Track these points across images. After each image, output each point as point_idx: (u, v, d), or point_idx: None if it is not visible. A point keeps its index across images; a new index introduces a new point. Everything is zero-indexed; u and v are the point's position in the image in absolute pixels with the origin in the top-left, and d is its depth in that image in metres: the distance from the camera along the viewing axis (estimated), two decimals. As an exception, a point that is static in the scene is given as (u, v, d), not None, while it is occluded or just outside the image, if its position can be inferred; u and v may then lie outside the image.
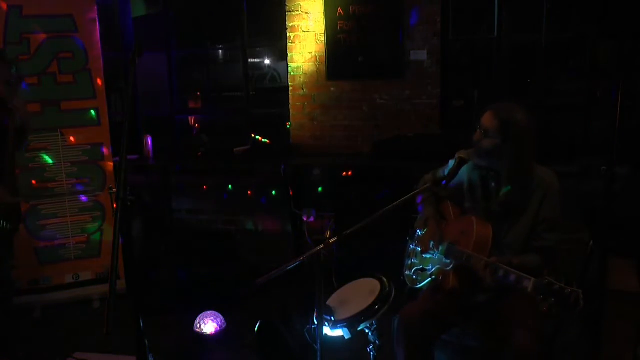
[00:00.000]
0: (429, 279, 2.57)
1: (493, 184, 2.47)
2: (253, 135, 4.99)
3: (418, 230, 2.74)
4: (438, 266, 2.52)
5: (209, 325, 3.70)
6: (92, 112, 4.25)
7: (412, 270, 2.68)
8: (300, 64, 4.97)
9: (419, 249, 2.68)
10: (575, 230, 3.49)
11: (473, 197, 2.53)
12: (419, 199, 2.72)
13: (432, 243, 2.59)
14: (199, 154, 5.32)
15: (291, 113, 5.09)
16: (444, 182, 2.45)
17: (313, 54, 4.91)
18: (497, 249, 2.36)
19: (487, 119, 2.37)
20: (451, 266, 2.43)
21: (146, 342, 2.07)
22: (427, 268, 2.60)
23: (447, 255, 2.47)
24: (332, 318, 2.60)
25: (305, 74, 4.96)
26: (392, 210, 2.19)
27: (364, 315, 2.58)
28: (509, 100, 2.48)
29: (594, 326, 2.98)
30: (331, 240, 2.08)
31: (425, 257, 2.63)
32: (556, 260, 2.43)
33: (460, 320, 2.51)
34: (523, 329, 2.24)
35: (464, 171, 2.50)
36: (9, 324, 3.42)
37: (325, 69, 4.89)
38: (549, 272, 2.05)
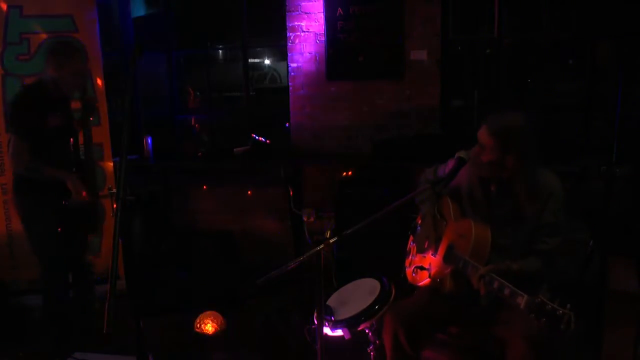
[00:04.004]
0: (428, 279, 2.55)
1: (493, 189, 2.45)
2: (253, 135, 4.98)
3: (418, 226, 2.73)
4: (436, 268, 2.50)
5: (209, 325, 3.70)
6: (92, 112, 4.24)
7: (412, 268, 2.65)
8: (300, 64, 4.97)
9: (416, 247, 2.67)
10: (575, 230, 3.49)
11: (472, 201, 2.51)
12: (417, 199, 2.71)
13: (427, 243, 2.58)
14: (199, 154, 5.31)
15: (291, 113, 5.08)
16: (442, 183, 2.43)
17: (313, 54, 4.91)
18: (497, 253, 2.33)
19: (484, 136, 2.33)
20: (448, 270, 2.41)
21: (146, 342, 2.07)
22: (427, 268, 2.57)
23: (444, 259, 2.45)
24: (332, 318, 2.60)
25: (305, 74, 4.96)
26: (392, 211, 2.19)
27: (364, 315, 2.58)
28: (503, 108, 2.44)
29: (594, 326, 2.98)
30: (331, 240, 2.08)
31: (424, 256, 2.61)
32: (555, 264, 2.41)
33: (455, 321, 2.50)
34: (520, 338, 2.22)
35: (463, 172, 2.48)
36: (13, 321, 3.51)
37: (325, 69, 4.89)
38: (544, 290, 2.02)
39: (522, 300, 2.01)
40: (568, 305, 1.90)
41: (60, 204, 3.14)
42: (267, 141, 4.95)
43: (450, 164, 2.56)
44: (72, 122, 3.31)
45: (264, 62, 7.20)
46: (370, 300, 2.62)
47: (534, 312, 1.94)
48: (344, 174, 4.56)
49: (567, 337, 1.94)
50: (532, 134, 2.34)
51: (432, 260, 2.55)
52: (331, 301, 2.80)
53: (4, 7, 3.97)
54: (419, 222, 2.70)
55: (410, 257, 2.72)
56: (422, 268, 2.59)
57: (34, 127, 3.07)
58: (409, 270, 2.68)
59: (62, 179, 3.13)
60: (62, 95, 3.18)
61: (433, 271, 2.51)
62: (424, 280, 2.57)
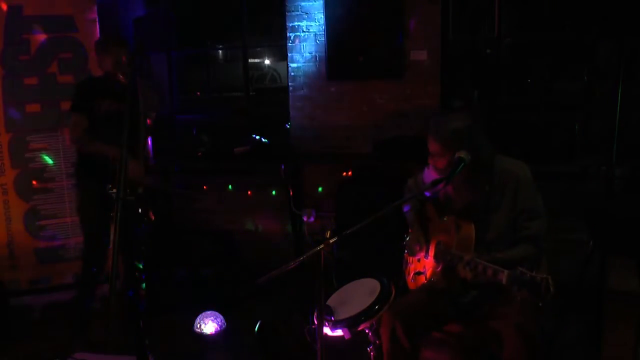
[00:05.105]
0: (425, 282, 2.59)
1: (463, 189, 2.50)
2: (253, 135, 4.99)
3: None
4: (430, 269, 2.55)
5: (209, 325, 3.70)
6: (92, 112, 4.24)
7: (411, 275, 2.70)
8: (300, 64, 4.97)
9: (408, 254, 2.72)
10: (575, 230, 3.50)
11: (449, 203, 2.57)
12: (405, 208, 2.75)
13: (417, 247, 2.63)
14: (199, 154, 5.32)
15: (291, 113, 5.08)
16: (444, 182, 2.45)
17: (313, 54, 4.91)
18: (482, 246, 2.38)
19: (431, 144, 2.42)
20: (440, 267, 2.46)
21: (146, 342, 2.07)
22: (423, 272, 2.62)
23: (435, 257, 2.51)
24: (332, 318, 2.60)
25: (305, 74, 4.96)
26: (392, 211, 2.20)
27: (364, 315, 2.58)
28: (441, 111, 2.50)
29: (594, 326, 2.99)
30: (331, 240, 2.08)
31: (419, 261, 2.66)
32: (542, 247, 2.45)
33: (452, 316, 2.53)
34: (514, 329, 2.25)
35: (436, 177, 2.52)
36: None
37: (325, 69, 4.89)
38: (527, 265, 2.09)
39: (503, 275, 2.10)
40: (545, 274, 1.99)
41: (107, 194, 3.22)
42: (267, 141, 4.96)
43: (426, 172, 2.66)
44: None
45: (264, 62, 7.20)
46: (370, 300, 2.62)
47: (516, 284, 2.03)
48: (344, 174, 4.56)
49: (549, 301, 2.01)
50: (477, 128, 2.39)
51: (425, 263, 2.61)
52: (331, 301, 2.80)
53: (4, 7, 3.97)
54: (410, 231, 2.75)
55: (408, 265, 2.77)
56: (419, 273, 2.65)
57: (83, 108, 3.41)
58: (408, 279, 2.74)
59: (111, 155, 3.26)
60: (117, 86, 3.38)
61: (428, 273, 2.57)
62: (422, 284, 2.62)
